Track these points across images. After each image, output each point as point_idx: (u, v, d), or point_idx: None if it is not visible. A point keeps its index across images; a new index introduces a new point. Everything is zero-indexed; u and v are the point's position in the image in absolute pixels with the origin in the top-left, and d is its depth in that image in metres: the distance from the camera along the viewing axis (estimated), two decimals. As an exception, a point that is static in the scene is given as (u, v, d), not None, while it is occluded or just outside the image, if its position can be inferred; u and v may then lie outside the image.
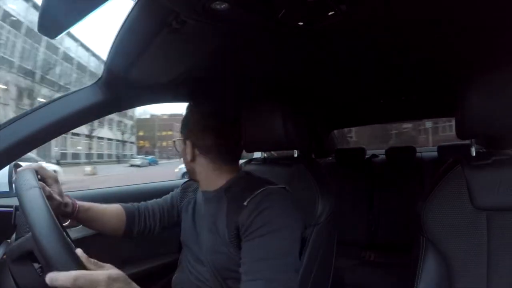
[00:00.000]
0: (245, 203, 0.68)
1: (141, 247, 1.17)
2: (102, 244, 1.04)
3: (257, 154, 1.15)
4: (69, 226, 0.77)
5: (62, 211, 0.72)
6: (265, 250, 0.63)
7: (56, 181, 0.71)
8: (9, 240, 0.70)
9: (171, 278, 0.88)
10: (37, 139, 0.81)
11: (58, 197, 0.70)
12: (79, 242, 0.78)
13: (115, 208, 0.86)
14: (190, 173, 0.82)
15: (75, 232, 1.00)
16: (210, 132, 0.75)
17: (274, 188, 0.71)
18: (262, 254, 0.63)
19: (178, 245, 1.21)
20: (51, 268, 0.45)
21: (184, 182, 0.95)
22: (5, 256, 0.63)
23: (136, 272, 1.14)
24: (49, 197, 0.67)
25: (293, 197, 0.73)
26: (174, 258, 1.18)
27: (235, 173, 0.79)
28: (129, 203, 0.90)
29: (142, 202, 0.92)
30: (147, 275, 1.16)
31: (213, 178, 0.78)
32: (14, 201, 0.62)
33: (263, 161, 1.05)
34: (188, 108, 0.81)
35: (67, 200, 0.74)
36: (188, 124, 0.79)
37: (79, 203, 0.77)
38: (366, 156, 2.23)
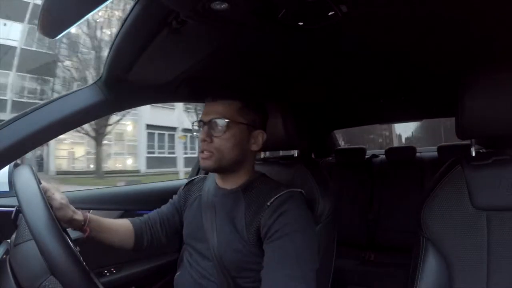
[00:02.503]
0: (268, 203, 0.71)
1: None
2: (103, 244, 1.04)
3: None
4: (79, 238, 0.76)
5: (73, 221, 0.72)
6: (286, 250, 0.66)
7: (57, 190, 0.70)
8: (9, 240, 0.70)
9: (172, 277, 0.88)
10: (37, 139, 0.81)
11: (65, 205, 0.70)
12: (79, 242, 0.77)
13: (124, 221, 0.87)
14: (227, 164, 0.76)
15: (76, 232, 1.00)
16: (264, 128, 0.81)
17: (296, 191, 0.74)
18: (284, 254, 0.66)
19: (178, 245, 1.21)
20: None
21: (187, 184, 0.93)
22: (5, 256, 0.63)
23: (136, 272, 1.13)
24: (59, 208, 0.68)
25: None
26: (174, 258, 1.18)
27: (252, 172, 0.81)
28: (135, 218, 0.89)
29: (145, 215, 0.91)
30: (147, 275, 1.16)
31: (237, 175, 0.79)
32: (14, 201, 0.62)
33: (263, 161, 1.05)
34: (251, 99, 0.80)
35: (74, 209, 0.73)
36: (258, 112, 0.80)
37: (89, 214, 0.76)
38: (366, 156, 2.23)
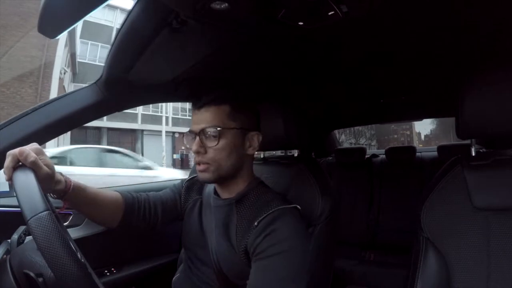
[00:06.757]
0: (255, 223, 0.67)
1: (141, 247, 1.17)
2: (103, 244, 1.04)
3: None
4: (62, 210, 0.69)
5: (53, 189, 0.64)
6: (272, 272, 0.62)
7: (42, 153, 0.61)
8: (9, 240, 0.70)
9: (171, 278, 0.87)
10: (37, 139, 0.81)
11: (46, 169, 0.60)
12: (79, 242, 0.77)
13: (113, 194, 0.77)
14: (226, 173, 0.72)
15: (75, 232, 1.00)
16: (259, 129, 0.77)
17: (287, 208, 0.69)
18: (269, 277, 0.62)
19: (178, 245, 1.21)
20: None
21: (187, 180, 0.88)
22: (5, 256, 0.63)
23: (136, 272, 1.13)
24: (36, 167, 0.57)
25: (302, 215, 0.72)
26: (174, 258, 1.18)
27: (251, 179, 0.77)
28: (127, 192, 0.81)
29: (143, 194, 0.83)
30: (147, 275, 1.16)
31: (236, 182, 0.75)
32: (14, 201, 0.62)
33: (263, 161, 1.05)
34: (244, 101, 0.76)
35: (59, 177, 0.64)
36: (249, 113, 0.75)
37: (74, 181, 0.68)
38: (366, 156, 2.23)
